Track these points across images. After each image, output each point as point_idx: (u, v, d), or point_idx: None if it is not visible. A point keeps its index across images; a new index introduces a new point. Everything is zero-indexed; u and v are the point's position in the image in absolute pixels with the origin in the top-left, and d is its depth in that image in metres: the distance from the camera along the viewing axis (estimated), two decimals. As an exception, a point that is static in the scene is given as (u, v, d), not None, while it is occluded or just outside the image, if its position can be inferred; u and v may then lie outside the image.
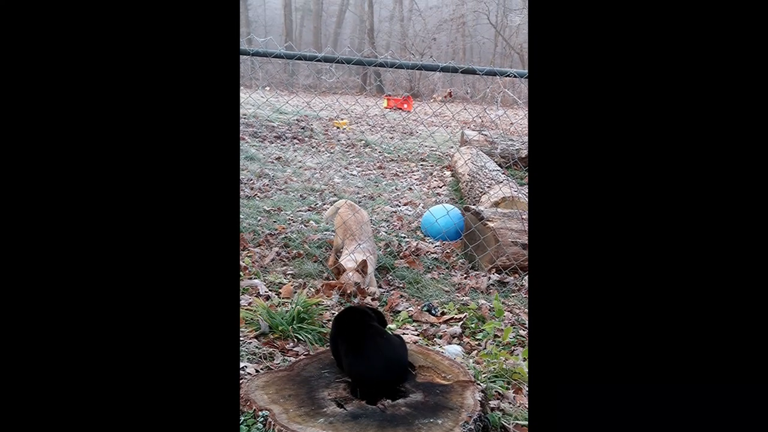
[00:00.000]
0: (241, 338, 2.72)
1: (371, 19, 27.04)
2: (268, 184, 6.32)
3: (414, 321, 3.25)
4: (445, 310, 3.39)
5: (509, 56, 27.82)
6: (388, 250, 4.44)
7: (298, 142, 9.34)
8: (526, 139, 9.17)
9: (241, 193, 5.77)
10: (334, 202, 5.71)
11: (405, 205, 5.90)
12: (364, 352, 2.13)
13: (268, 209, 5.30)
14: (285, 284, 3.55)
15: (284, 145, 8.94)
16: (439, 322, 3.24)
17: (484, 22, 27.79)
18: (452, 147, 9.21)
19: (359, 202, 5.81)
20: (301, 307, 2.90)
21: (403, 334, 2.98)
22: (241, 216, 4.78)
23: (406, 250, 4.46)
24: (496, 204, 4.85)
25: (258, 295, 3.31)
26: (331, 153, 8.70)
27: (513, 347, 2.98)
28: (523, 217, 4.21)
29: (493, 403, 2.34)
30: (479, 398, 2.00)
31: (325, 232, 4.69)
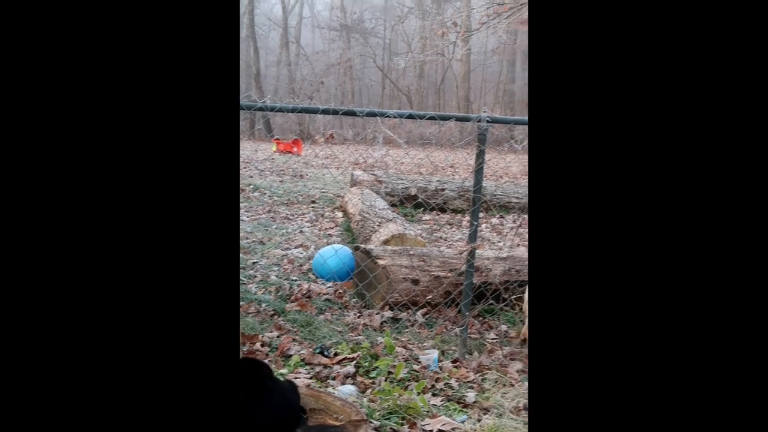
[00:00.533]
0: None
1: (257, 64, 27.05)
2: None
3: (307, 364, 3.18)
4: (338, 351, 3.35)
5: (397, 97, 28.65)
6: (279, 294, 4.36)
7: (185, 188, 9.07)
8: (414, 177, 9.39)
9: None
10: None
11: (296, 247, 5.85)
12: (253, 400, 2.06)
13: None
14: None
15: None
16: (332, 364, 3.19)
17: (371, 66, 28.55)
18: (342, 188, 9.27)
19: (248, 247, 5.70)
20: (186, 359, 2.77)
21: (296, 378, 2.91)
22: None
23: (297, 293, 4.40)
24: (386, 242, 4.90)
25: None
26: (220, 198, 8.51)
27: (407, 383, 2.98)
28: (411, 252, 4.27)
29: (386, 441, 2.32)
30: (370, 437, 1.97)
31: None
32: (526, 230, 7.43)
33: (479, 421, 2.62)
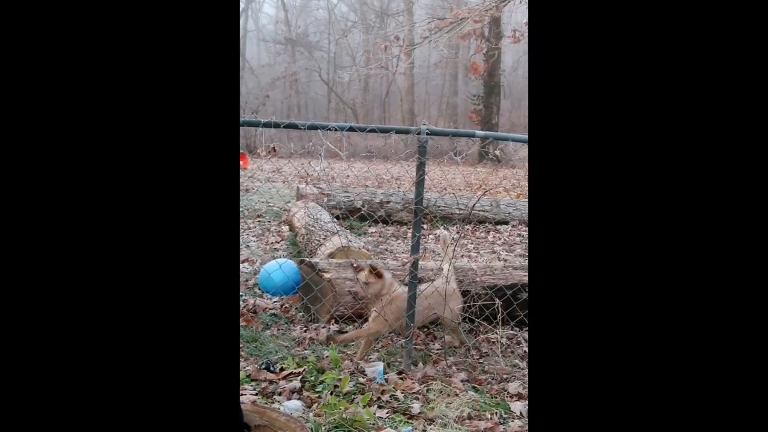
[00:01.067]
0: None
1: (202, 77, 26.70)
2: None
3: (252, 380, 3.16)
4: (284, 366, 3.33)
5: (343, 111, 28.73)
6: (224, 309, 4.31)
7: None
8: (359, 190, 9.43)
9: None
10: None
11: (242, 262, 5.79)
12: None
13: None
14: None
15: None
16: (278, 379, 3.18)
17: (317, 79, 28.57)
18: (288, 202, 9.23)
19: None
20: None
21: (241, 394, 2.89)
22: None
23: (243, 308, 4.36)
24: (332, 255, 4.91)
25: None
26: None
27: (353, 396, 2.99)
28: (355, 265, 4.29)
29: (331, 454, 2.32)
30: (314, 451, 1.98)
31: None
32: (468, 241, 7.51)
33: (424, 431, 2.65)
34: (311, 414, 2.75)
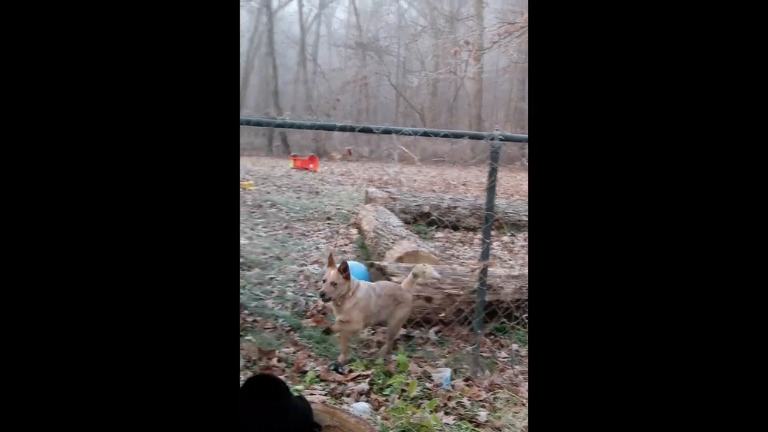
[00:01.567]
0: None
1: (275, 81, 27.30)
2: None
3: (321, 380, 3.23)
4: (353, 368, 3.39)
5: (411, 115, 28.76)
6: (295, 309, 4.42)
7: (201, 204, 9.16)
8: (427, 194, 9.44)
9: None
10: (243, 263, 5.63)
11: (312, 264, 5.90)
12: (267, 416, 2.10)
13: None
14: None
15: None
16: (347, 380, 3.23)
17: (386, 84, 28.70)
18: (357, 205, 9.33)
19: (265, 262, 5.76)
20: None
21: (310, 394, 2.96)
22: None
23: (313, 309, 4.45)
24: (400, 259, 4.95)
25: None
26: (236, 214, 8.59)
27: (420, 400, 3.01)
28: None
29: (399, 457, 2.35)
30: (384, 453, 2.01)
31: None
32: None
33: (491, 439, 2.65)
34: (379, 417, 2.79)
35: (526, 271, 4.67)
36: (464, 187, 13.20)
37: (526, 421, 2.80)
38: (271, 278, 5.25)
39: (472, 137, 3.63)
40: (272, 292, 4.86)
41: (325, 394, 3.05)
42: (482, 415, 2.90)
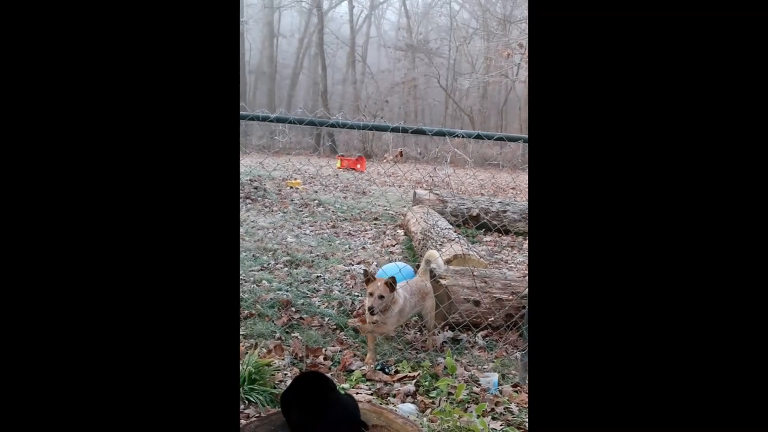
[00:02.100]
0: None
1: (324, 81, 27.55)
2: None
3: (367, 380, 3.22)
4: (399, 369, 3.37)
5: (459, 118, 28.65)
6: (342, 308, 4.42)
7: (250, 201, 9.31)
8: (476, 197, 9.36)
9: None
10: (290, 260, 5.68)
11: (358, 263, 5.91)
12: (315, 412, 2.10)
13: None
14: (236, 345, 3.48)
15: (239, 203, 8.87)
16: (393, 381, 3.22)
17: (435, 86, 28.65)
18: (404, 206, 9.32)
19: (312, 261, 5.79)
20: (252, 368, 2.84)
21: (357, 393, 2.95)
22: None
23: (359, 308, 4.45)
24: (448, 261, 4.91)
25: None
26: (285, 212, 8.69)
27: (467, 404, 2.97)
28: (475, 274, 4.27)
29: (447, 461, 2.31)
30: (433, 456, 1.98)
31: (277, 292, 4.64)
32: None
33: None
34: (425, 419, 2.76)
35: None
36: (513, 192, 13.05)
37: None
38: (318, 276, 5.28)
39: (527, 141, 3.57)
40: (318, 290, 4.89)
41: (371, 394, 3.04)
42: (531, 422, 2.84)
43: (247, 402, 2.71)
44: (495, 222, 7.74)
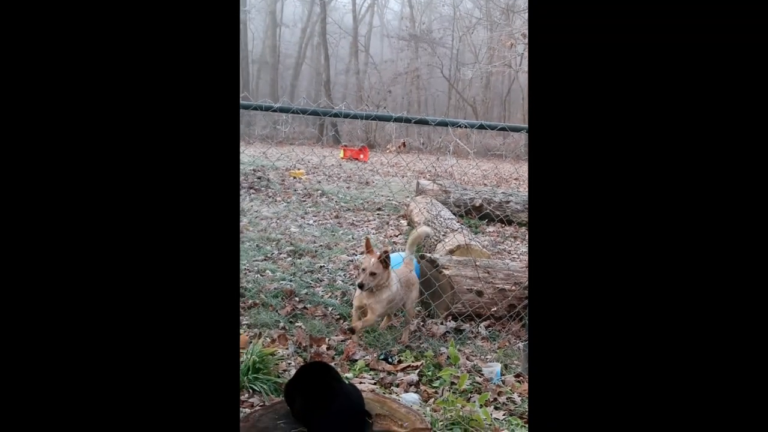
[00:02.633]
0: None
1: (327, 71, 27.47)
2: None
3: (371, 369, 3.23)
4: (402, 359, 3.38)
5: (463, 108, 28.56)
6: (345, 298, 4.44)
7: (254, 191, 9.32)
8: (479, 188, 9.36)
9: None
10: (293, 250, 5.69)
11: (362, 253, 5.92)
12: (320, 402, 2.12)
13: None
14: (240, 334, 3.50)
15: (239, 195, 8.88)
16: (396, 371, 3.23)
17: (438, 76, 28.56)
18: (407, 196, 9.32)
19: (315, 251, 5.80)
20: (257, 357, 2.86)
21: (360, 383, 2.97)
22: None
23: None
24: (451, 252, 4.92)
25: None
26: (288, 202, 8.70)
27: (469, 394, 2.99)
28: (477, 264, 4.27)
29: (450, 450, 2.33)
30: (436, 445, 2.00)
31: (281, 282, 4.66)
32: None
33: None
34: (428, 408, 2.78)
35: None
36: (516, 182, 13.04)
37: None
38: (321, 266, 5.29)
39: (529, 131, 3.57)
40: (322, 280, 4.90)
41: (375, 383, 3.05)
42: (533, 412, 2.85)
43: (251, 391, 2.73)
44: (498, 212, 7.74)
